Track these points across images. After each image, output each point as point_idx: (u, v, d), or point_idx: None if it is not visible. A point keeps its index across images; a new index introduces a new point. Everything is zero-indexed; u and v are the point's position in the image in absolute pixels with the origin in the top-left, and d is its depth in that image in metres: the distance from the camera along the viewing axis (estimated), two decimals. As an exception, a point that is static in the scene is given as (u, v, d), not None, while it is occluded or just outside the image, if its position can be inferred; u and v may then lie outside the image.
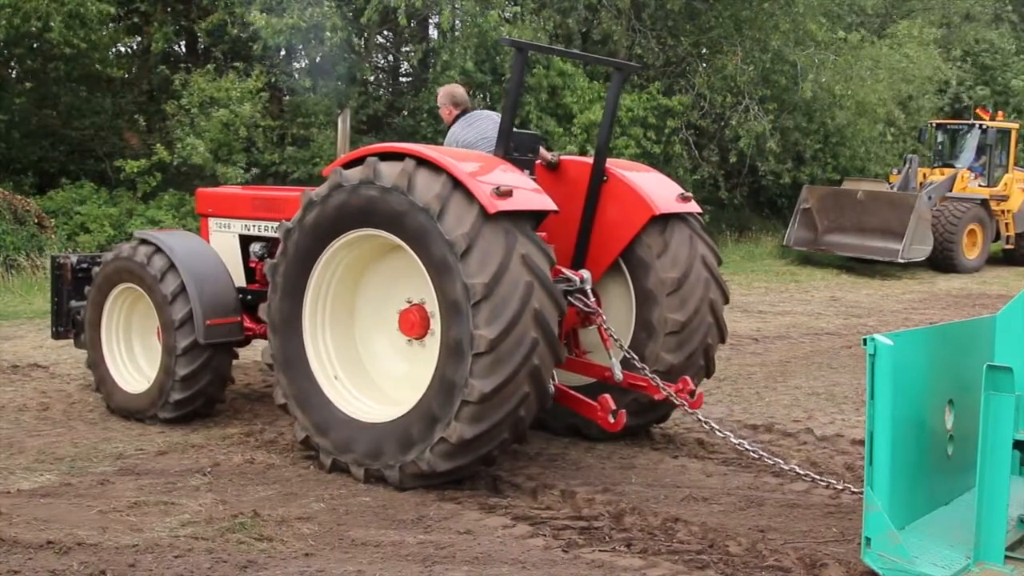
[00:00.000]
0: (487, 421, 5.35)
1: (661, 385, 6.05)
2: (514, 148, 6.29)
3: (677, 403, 6.08)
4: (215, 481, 5.75)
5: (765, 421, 7.41)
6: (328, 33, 16.31)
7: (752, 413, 7.71)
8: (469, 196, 5.39)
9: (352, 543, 4.82)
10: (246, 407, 7.52)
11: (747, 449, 5.64)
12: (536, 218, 5.72)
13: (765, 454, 5.61)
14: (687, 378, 6.22)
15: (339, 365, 6.08)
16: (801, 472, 5.45)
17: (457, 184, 5.43)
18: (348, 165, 5.87)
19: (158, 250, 6.85)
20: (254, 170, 16.73)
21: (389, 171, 5.54)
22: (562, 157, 6.96)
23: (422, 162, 5.55)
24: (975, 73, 28.80)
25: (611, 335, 6.23)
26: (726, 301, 6.75)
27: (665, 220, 6.54)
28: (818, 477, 5.42)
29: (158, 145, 16.25)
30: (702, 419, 5.89)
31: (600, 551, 4.81)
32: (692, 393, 6.16)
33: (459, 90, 7.02)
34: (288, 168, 17.13)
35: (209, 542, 4.77)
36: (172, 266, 6.75)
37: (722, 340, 6.78)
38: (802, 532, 5.14)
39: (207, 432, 6.77)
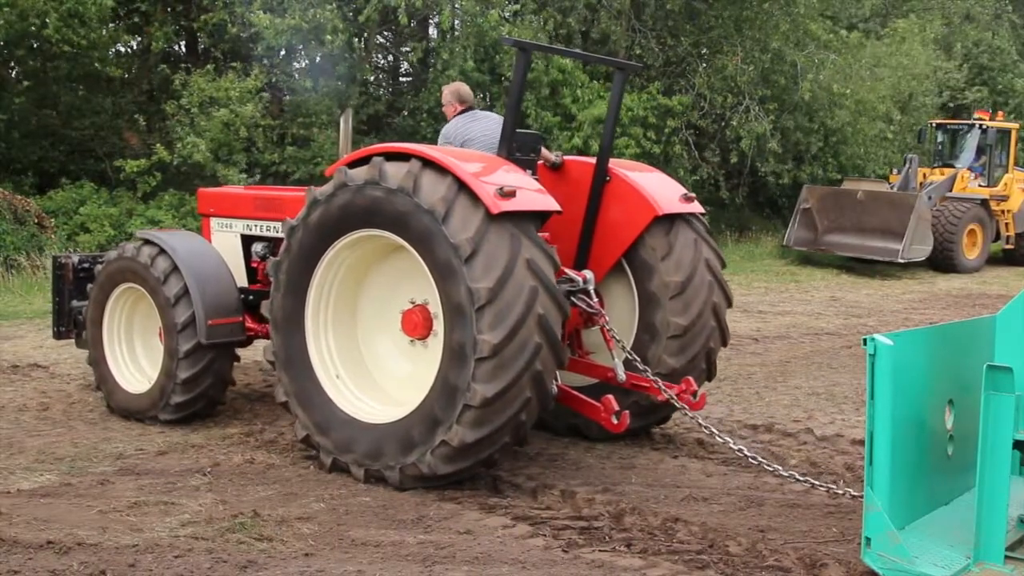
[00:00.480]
0: (489, 425, 5.33)
1: (663, 387, 6.05)
2: (516, 148, 6.27)
3: (679, 406, 6.07)
4: (215, 481, 5.75)
5: (765, 421, 7.41)
6: (329, 36, 16.31)
7: (752, 413, 7.71)
8: (474, 199, 5.36)
9: (352, 543, 4.82)
10: (246, 407, 7.53)
11: (747, 455, 5.63)
12: (540, 219, 5.70)
13: (764, 460, 5.60)
14: (690, 379, 6.22)
15: (341, 364, 6.07)
16: (800, 478, 5.44)
17: (462, 186, 5.40)
18: (352, 165, 5.85)
19: (161, 251, 6.84)
20: (258, 173, 16.73)
21: (395, 172, 5.51)
22: (565, 157, 6.95)
23: (427, 163, 5.53)
24: (974, 72, 28.80)
25: (614, 336, 6.22)
26: (729, 304, 6.73)
27: (669, 222, 6.51)
28: (816, 482, 5.40)
29: (158, 145, 16.26)
30: (702, 423, 5.87)
31: (600, 551, 4.81)
32: (694, 395, 6.15)
33: (465, 88, 7.00)
34: (288, 168, 17.14)
35: (209, 542, 4.77)
36: (175, 268, 6.74)
37: (724, 343, 6.76)
38: (802, 532, 5.14)
39: (207, 432, 6.77)
